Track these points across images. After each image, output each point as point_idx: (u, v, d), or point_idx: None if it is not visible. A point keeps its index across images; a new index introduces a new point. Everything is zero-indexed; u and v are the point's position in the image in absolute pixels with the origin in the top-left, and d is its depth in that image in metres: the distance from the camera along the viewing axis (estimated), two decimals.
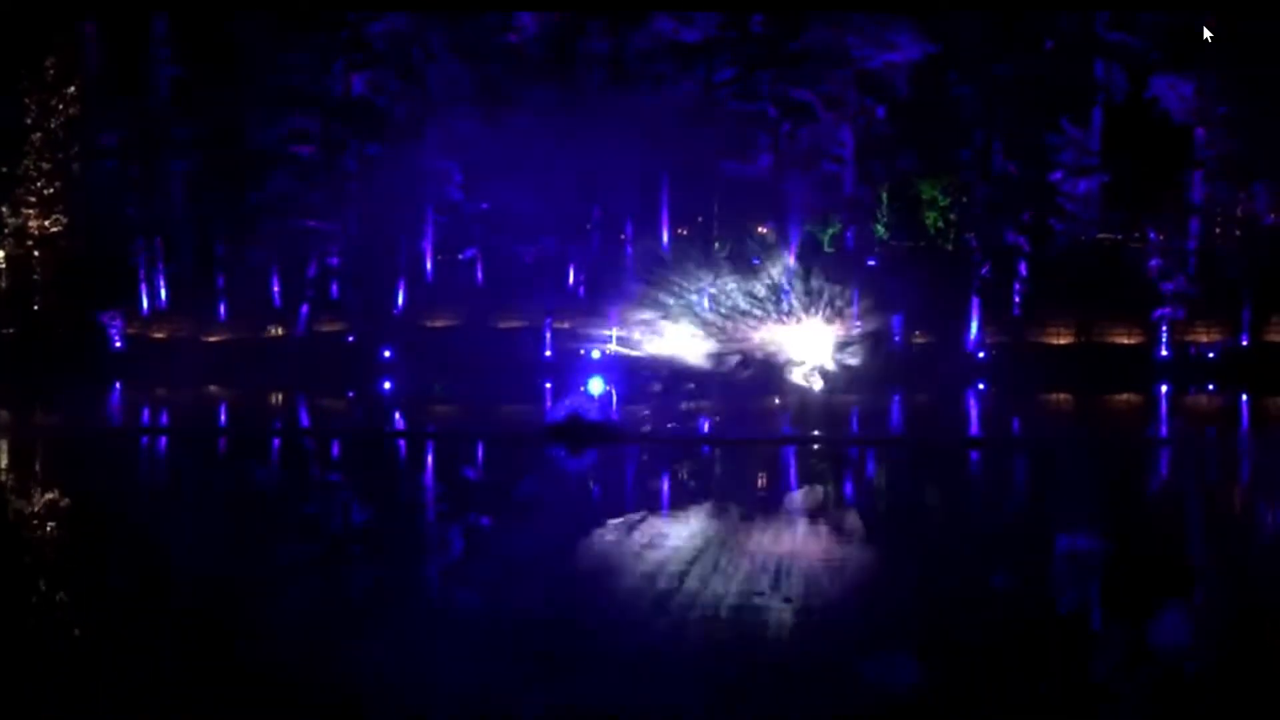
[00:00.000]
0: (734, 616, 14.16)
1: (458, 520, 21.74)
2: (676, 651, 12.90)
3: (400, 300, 66.58)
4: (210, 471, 28.37)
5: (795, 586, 15.93)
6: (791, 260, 59.93)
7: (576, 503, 23.79)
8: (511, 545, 18.88)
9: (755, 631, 13.67)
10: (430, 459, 30.50)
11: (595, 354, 60.93)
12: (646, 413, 37.22)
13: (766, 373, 45.68)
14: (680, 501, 23.89)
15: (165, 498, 25.08)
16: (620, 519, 20.66)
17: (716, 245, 66.71)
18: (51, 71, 69.67)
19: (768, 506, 23.04)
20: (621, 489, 25.96)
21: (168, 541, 19.64)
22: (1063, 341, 62.23)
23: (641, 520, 20.62)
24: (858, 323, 52.87)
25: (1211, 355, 58.94)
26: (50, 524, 20.94)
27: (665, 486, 25.98)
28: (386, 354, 61.77)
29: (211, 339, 64.84)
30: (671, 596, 15.16)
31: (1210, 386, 52.65)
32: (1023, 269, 63.54)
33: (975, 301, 62.88)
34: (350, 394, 50.01)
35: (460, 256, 68.14)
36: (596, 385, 36.91)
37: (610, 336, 61.84)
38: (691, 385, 45.85)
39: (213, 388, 50.90)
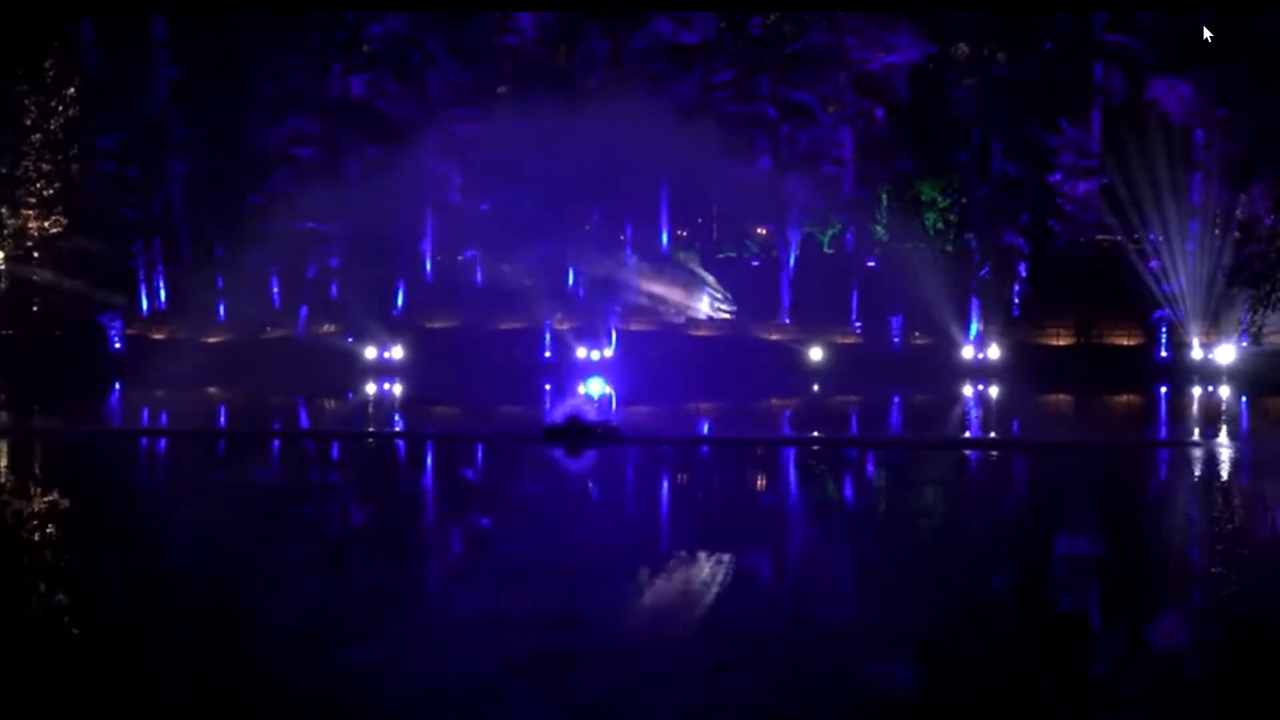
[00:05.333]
0: None
1: (455, 524, 21.73)
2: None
3: (400, 301, 66.55)
4: (209, 472, 28.34)
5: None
6: None
7: (575, 507, 23.77)
8: (508, 548, 18.87)
9: None
10: (429, 460, 30.48)
11: (595, 355, 61.00)
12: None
13: None
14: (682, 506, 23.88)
15: (164, 498, 25.06)
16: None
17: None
18: (51, 73, 69.59)
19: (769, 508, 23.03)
20: (620, 494, 25.93)
21: (168, 541, 19.63)
22: (1062, 342, 62.17)
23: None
24: None
25: (1210, 356, 58.85)
26: (50, 523, 20.93)
27: (664, 491, 25.97)
28: (385, 355, 61.74)
29: (210, 340, 64.71)
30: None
31: (1210, 387, 52.61)
32: (1022, 270, 63.51)
33: (975, 303, 62.83)
34: (349, 395, 49.99)
35: (460, 257, 68.14)
36: (596, 386, 36.91)
37: (610, 336, 61.93)
38: None
39: (212, 389, 50.86)
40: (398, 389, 53.51)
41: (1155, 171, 59.95)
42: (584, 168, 58.54)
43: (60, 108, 69.79)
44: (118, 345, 64.66)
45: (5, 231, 70.31)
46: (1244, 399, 48.11)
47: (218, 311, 66.42)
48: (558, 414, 31.79)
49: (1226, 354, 58.60)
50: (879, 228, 67.73)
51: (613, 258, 65.36)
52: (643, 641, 13.38)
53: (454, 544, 20.07)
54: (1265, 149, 59.66)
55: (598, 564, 17.60)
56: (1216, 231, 61.29)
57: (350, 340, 62.84)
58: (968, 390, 52.26)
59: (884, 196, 67.12)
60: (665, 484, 26.65)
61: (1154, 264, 61.09)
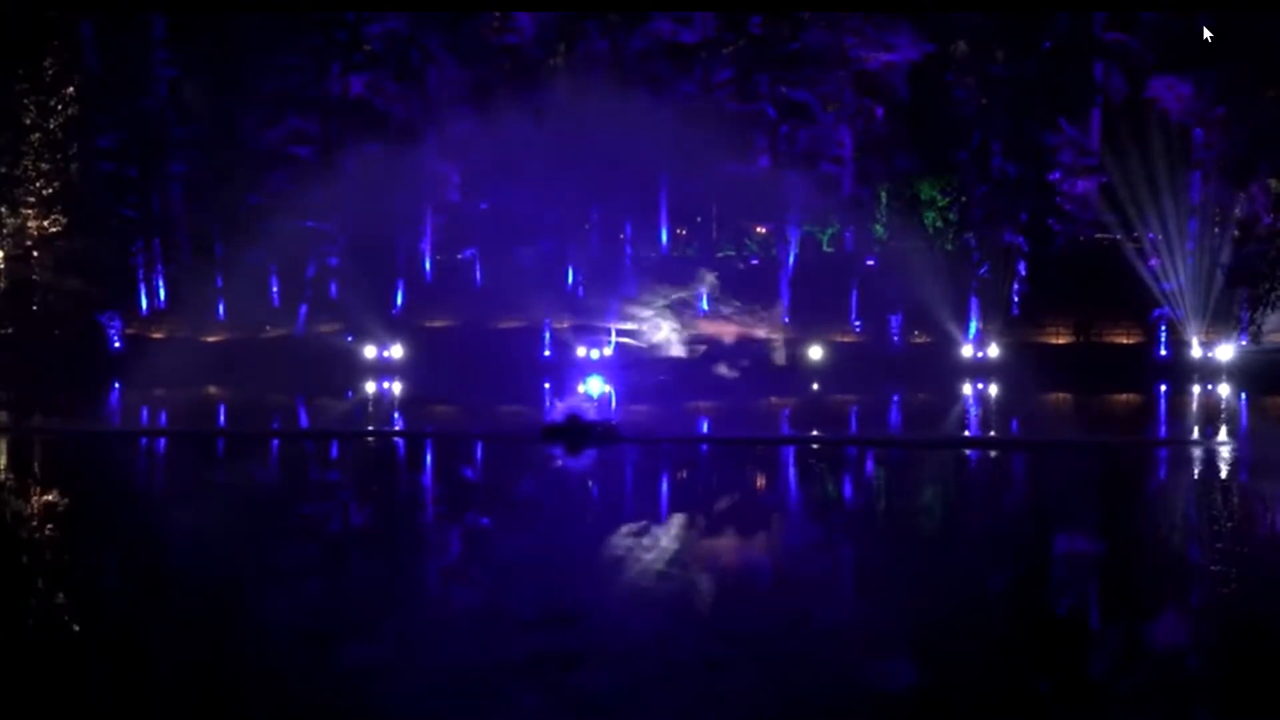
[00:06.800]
0: None
1: (453, 523, 21.74)
2: None
3: (399, 300, 66.57)
4: (209, 472, 28.33)
5: None
6: None
7: (573, 506, 23.79)
8: (506, 546, 18.89)
9: None
10: (429, 459, 30.49)
11: (594, 354, 60.90)
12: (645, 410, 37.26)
13: None
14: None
15: (163, 498, 25.08)
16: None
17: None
18: (50, 73, 69.59)
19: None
20: (619, 493, 25.93)
21: (167, 540, 19.64)
22: (1062, 341, 62.15)
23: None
24: None
25: (1210, 355, 58.87)
26: (50, 523, 20.94)
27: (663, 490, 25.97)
28: (385, 354, 61.77)
29: (210, 339, 64.72)
30: None
31: (1209, 386, 52.63)
32: (1021, 269, 63.51)
33: (974, 301, 62.84)
34: (349, 394, 50.02)
35: (459, 256, 68.16)
36: (595, 385, 36.91)
37: (609, 335, 61.81)
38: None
39: (211, 388, 50.91)
40: (397, 388, 53.53)
41: (1154, 170, 59.96)
42: (584, 167, 58.49)
43: (60, 107, 69.78)
44: (117, 345, 64.68)
45: (5, 231, 70.31)
46: (1243, 398, 48.10)
47: (217, 310, 66.45)
48: (557, 413, 31.81)
49: (1226, 352, 58.60)
50: (878, 227, 67.74)
51: (612, 256, 65.37)
52: (641, 639, 13.39)
53: (452, 543, 20.09)
54: (1264, 148, 59.67)
55: (595, 563, 17.62)
56: (1216, 230, 61.31)
57: (350, 339, 62.84)
58: (967, 389, 52.27)
59: (883, 195, 67.13)
60: (664, 483, 26.65)
61: (1153, 262, 61.09)
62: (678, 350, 58.69)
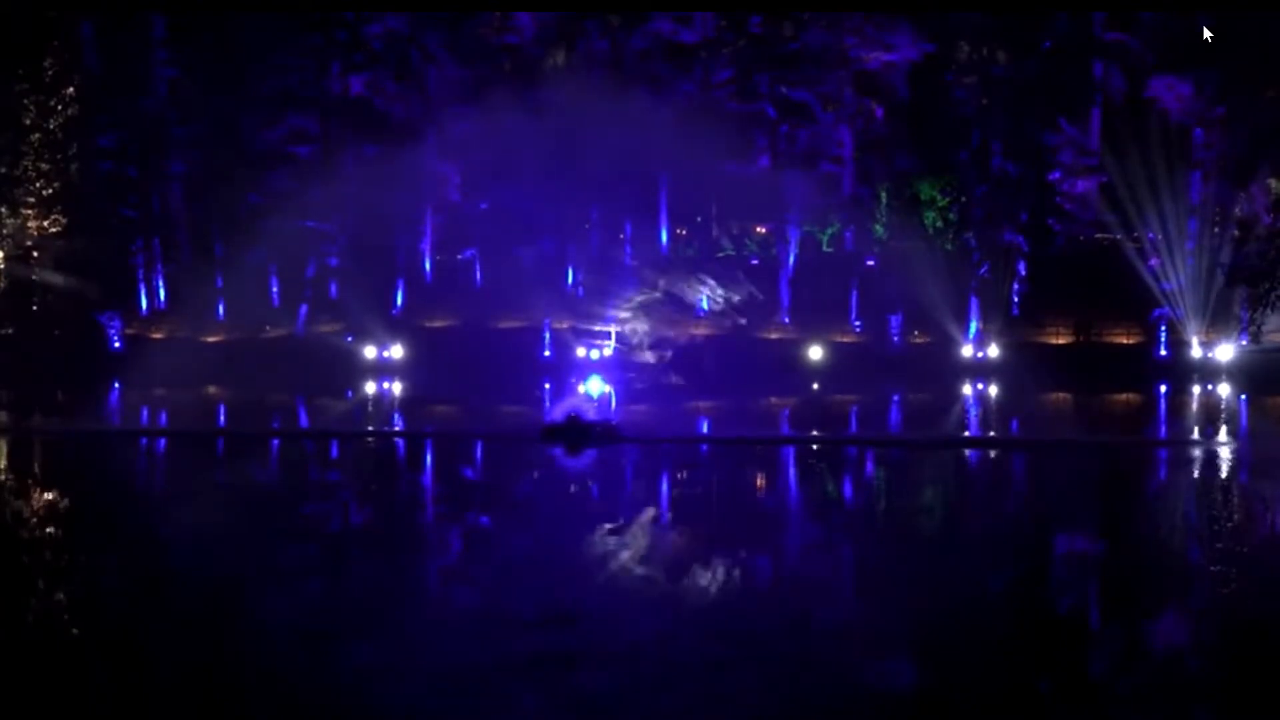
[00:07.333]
0: None
1: (452, 522, 21.75)
2: None
3: (399, 300, 66.59)
4: (209, 472, 28.33)
5: None
6: None
7: (572, 506, 23.80)
8: (504, 546, 18.90)
9: None
10: (429, 459, 30.49)
11: (594, 354, 60.96)
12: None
13: None
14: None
15: (163, 498, 25.08)
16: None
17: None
18: (50, 73, 69.62)
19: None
20: (618, 492, 25.93)
21: (167, 540, 19.65)
22: (1062, 341, 62.20)
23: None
24: None
25: (1210, 355, 58.89)
26: (49, 523, 20.94)
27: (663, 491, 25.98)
28: (385, 354, 61.82)
29: (210, 339, 64.79)
30: None
31: (1209, 386, 52.63)
32: (1021, 269, 63.57)
33: (974, 301, 62.88)
34: (349, 394, 50.03)
35: (459, 257, 68.21)
36: (595, 385, 36.94)
37: (609, 335, 61.85)
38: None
39: (211, 388, 50.92)
40: (397, 388, 53.53)
41: (1154, 170, 60.01)
42: (584, 167, 58.53)
43: (60, 107, 69.83)
44: (117, 345, 64.73)
45: (5, 231, 70.35)
46: (1243, 398, 48.10)
47: (217, 310, 66.52)
48: (557, 413, 31.81)
49: (1226, 352, 58.62)
50: (878, 226, 67.77)
51: (612, 256, 65.33)
52: (641, 639, 13.39)
53: (452, 542, 20.09)
54: (1264, 148, 59.71)
55: (594, 563, 17.62)
56: (1215, 230, 61.34)
57: (350, 339, 62.89)
58: (967, 389, 52.27)
59: (883, 195, 67.18)
60: (664, 483, 26.65)
61: (1153, 262, 61.14)
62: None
